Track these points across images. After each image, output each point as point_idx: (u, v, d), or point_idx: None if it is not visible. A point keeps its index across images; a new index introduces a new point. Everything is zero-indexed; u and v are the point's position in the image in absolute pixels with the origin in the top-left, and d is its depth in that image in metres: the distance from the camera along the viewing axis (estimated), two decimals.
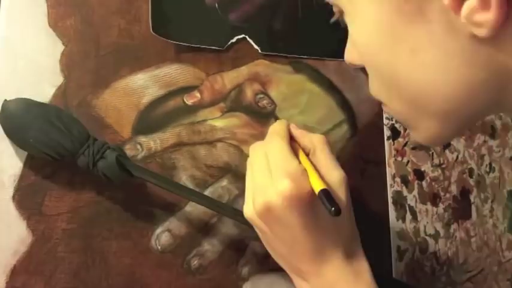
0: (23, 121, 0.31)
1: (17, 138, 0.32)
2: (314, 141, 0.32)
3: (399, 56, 0.25)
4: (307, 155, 0.32)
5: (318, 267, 0.29)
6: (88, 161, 0.31)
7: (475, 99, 0.25)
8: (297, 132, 0.33)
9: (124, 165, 0.32)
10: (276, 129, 0.32)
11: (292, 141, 0.32)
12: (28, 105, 0.32)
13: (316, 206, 0.28)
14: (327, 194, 0.27)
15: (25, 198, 0.33)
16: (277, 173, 0.29)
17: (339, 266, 0.29)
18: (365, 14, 0.25)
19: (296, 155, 0.30)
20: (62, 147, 0.31)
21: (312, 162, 0.31)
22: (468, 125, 0.28)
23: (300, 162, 0.30)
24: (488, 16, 0.21)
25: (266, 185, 0.29)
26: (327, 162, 0.31)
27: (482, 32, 0.22)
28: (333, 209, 0.26)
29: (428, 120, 0.27)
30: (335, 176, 0.30)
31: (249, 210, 0.30)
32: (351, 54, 0.29)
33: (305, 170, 0.29)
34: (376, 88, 0.28)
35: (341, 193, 0.30)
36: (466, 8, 0.21)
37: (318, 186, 0.28)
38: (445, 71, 0.24)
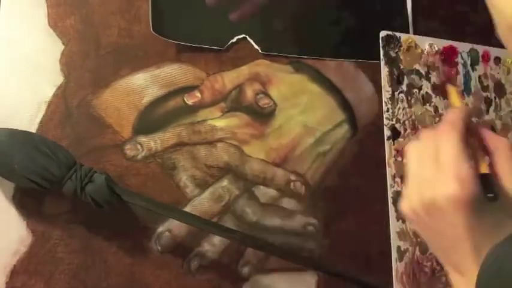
0: (7, 148, 0.30)
1: (1, 165, 0.30)
2: (496, 143, 0.31)
3: None
4: (487, 155, 0.31)
5: (476, 264, 0.29)
6: (76, 186, 0.30)
7: None
8: (483, 130, 0.32)
9: (113, 189, 0.32)
10: (453, 120, 0.31)
11: (469, 134, 0.31)
12: (12, 133, 0.31)
13: (481, 207, 0.28)
14: (489, 178, 0.28)
15: (25, 198, 0.33)
16: (447, 173, 0.29)
17: None
18: None
19: (473, 153, 0.30)
20: (48, 173, 0.30)
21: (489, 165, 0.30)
22: None
23: (476, 164, 0.29)
24: None
25: (435, 182, 0.29)
26: (505, 167, 0.30)
27: None
28: (491, 194, 0.27)
29: None
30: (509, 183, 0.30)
31: (414, 202, 0.30)
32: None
33: (476, 173, 0.29)
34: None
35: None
36: None
37: (483, 169, 0.28)
38: None
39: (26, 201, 0.33)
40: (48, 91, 0.35)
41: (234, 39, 0.39)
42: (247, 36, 0.40)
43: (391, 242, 0.41)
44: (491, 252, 0.26)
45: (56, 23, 0.35)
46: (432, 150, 0.30)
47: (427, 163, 0.30)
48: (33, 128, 0.34)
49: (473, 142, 0.31)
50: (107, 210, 0.32)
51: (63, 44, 0.35)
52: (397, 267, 0.41)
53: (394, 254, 0.41)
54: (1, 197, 0.33)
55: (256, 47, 0.40)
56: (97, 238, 0.34)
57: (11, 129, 0.32)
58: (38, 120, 0.34)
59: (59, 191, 0.31)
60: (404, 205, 0.31)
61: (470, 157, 0.29)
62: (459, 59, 0.46)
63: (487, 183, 0.28)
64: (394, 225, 0.41)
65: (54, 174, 0.30)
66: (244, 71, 0.40)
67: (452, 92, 0.34)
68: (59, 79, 0.35)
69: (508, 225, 0.30)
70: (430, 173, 0.29)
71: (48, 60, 0.35)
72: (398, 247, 0.41)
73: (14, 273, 0.32)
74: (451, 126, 0.30)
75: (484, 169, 0.30)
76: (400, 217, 0.41)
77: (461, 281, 0.30)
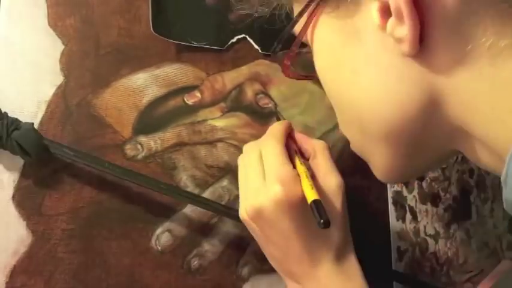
0: None
1: None
2: (315, 146, 0.32)
3: (342, 78, 0.26)
4: (307, 159, 0.32)
5: (310, 270, 0.29)
6: (1, 133, 0.30)
7: (411, 120, 0.24)
8: (299, 136, 0.33)
9: (41, 138, 0.31)
10: (274, 131, 0.32)
11: (291, 144, 0.32)
12: None
13: (307, 210, 0.28)
14: (317, 205, 0.27)
15: (25, 198, 0.33)
16: (269, 177, 0.29)
17: (331, 268, 0.29)
18: (319, 39, 0.26)
19: (292, 159, 0.30)
20: None
21: (310, 167, 0.31)
22: (424, 160, 0.27)
23: (294, 167, 0.30)
24: (403, 31, 0.21)
25: (258, 188, 0.29)
26: (326, 168, 0.31)
27: (405, 48, 0.22)
28: (322, 221, 0.26)
29: (377, 146, 0.27)
30: (333, 182, 0.31)
31: (242, 213, 0.30)
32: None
33: (298, 175, 0.29)
34: (339, 121, 0.29)
35: (336, 200, 0.30)
36: (389, 25, 0.22)
37: (310, 196, 0.28)
38: (382, 90, 0.24)
39: (26, 201, 0.33)
40: (48, 91, 0.34)
41: (234, 39, 0.39)
42: (247, 36, 0.40)
43: (391, 242, 0.41)
44: None
45: (56, 22, 0.35)
46: (256, 159, 0.31)
47: (252, 173, 0.30)
48: None
49: (293, 150, 0.32)
50: (34, 159, 0.31)
51: (63, 43, 0.35)
52: (397, 267, 0.41)
53: (394, 254, 0.41)
54: (1, 197, 0.32)
55: (256, 46, 0.40)
56: (97, 238, 0.34)
57: None
58: (38, 119, 0.34)
59: None
60: (239, 213, 0.31)
61: (291, 161, 0.30)
62: None
63: (318, 209, 0.27)
64: (394, 225, 0.41)
65: None
66: (244, 70, 0.39)
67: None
68: (59, 79, 0.35)
69: (340, 231, 0.30)
70: (255, 182, 0.30)
71: (48, 60, 0.35)
72: (399, 247, 0.41)
73: (14, 273, 0.32)
74: (272, 136, 0.32)
75: (303, 174, 0.29)
76: (400, 217, 0.41)
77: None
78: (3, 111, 0.32)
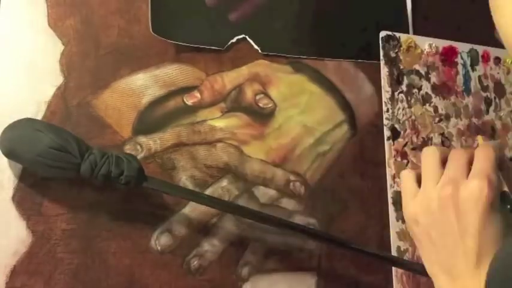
0: (30, 137, 0.30)
1: (24, 156, 0.30)
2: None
3: None
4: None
5: (474, 268, 0.29)
6: (98, 163, 0.30)
7: None
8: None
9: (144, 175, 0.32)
10: (490, 147, 0.33)
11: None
12: (29, 123, 0.31)
13: (495, 214, 0.29)
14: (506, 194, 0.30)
15: (25, 198, 0.33)
16: (477, 174, 0.30)
17: None
18: None
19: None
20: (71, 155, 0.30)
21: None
22: None
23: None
24: None
25: (459, 181, 0.30)
26: None
27: None
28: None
29: None
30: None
31: (428, 198, 0.31)
32: None
33: (501, 182, 0.31)
34: None
35: None
36: None
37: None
38: None
39: (26, 201, 0.33)
40: (48, 91, 0.34)
41: (234, 39, 0.39)
42: (246, 37, 0.40)
43: (391, 242, 0.41)
44: (501, 251, 0.26)
45: (55, 23, 0.35)
46: (461, 159, 0.32)
47: (453, 166, 0.31)
48: None
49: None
50: (120, 187, 0.31)
51: (63, 44, 0.35)
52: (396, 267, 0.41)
53: (394, 254, 0.41)
54: (1, 197, 0.32)
55: (256, 47, 0.40)
56: (97, 238, 0.34)
57: (26, 120, 0.32)
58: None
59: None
60: (415, 204, 0.32)
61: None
62: (459, 59, 0.46)
63: (505, 198, 0.29)
64: (394, 226, 0.41)
65: (75, 154, 0.30)
66: (244, 71, 0.39)
67: (480, 140, 0.39)
68: (59, 79, 0.35)
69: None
70: (454, 173, 0.31)
71: (48, 60, 0.35)
72: (398, 247, 0.41)
73: (14, 273, 0.32)
74: (488, 146, 0.33)
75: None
76: (400, 217, 0.41)
77: (451, 284, 0.30)
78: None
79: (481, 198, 0.29)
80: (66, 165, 0.30)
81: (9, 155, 0.31)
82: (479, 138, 0.39)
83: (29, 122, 0.31)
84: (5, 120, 0.33)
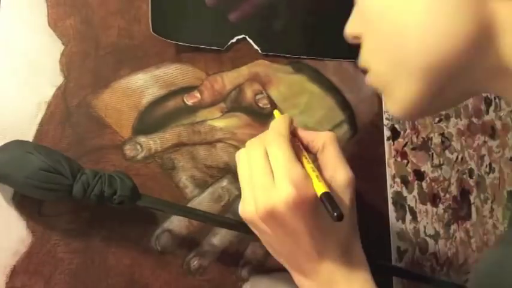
0: (17, 162, 0.29)
1: (13, 179, 0.30)
2: (323, 138, 0.32)
3: (395, 1, 0.24)
4: (314, 153, 0.32)
5: (317, 264, 0.29)
6: (90, 183, 0.30)
7: (459, 54, 0.23)
8: (304, 132, 0.33)
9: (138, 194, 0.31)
10: (278, 127, 0.31)
11: (293, 138, 0.32)
12: (18, 145, 0.31)
13: (318, 207, 0.28)
14: (329, 198, 0.27)
15: (25, 198, 0.33)
16: (280, 178, 0.28)
17: (337, 262, 0.29)
18: None
19: (298, 155, 0.30)
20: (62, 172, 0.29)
21: (318, 161, 0.31)
22: (448, 98, 0.26)
23: (302, 165, 0.29)
24: None
25: (268, 188, 0.29)
26: (335, 161, 0.31)
27: None
28: (335, 214, 0.26)
29: (407, 80, 0.25)
30: (342, 176, 0.30)
31: (249, 211, 0.30)
32: (353, 24, 0.29)
33: (307, 174, 0.29)
34: (365, 51, 0.28)
35: (346, 194, 0.30)
36: None
37: (320, 189, 0.28)
38: (437, 18, 0.23)
39: (26, 202, 0.33)
40: (48, 91, 0.34)
41: (234, 40, 0.39)
42: (246, 37, 0.40)
43: (391, 242, 0.41)
44: (483, 259, 0.25)
45: (55, 23, 0.35)
46: (261, 157, 0.30)
47: (259, 171, 0.29)
48: (33, 129, 0.34)
49: (298, 145, 0.31)
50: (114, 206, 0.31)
51: (63, 44, 0.35)
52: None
53: (394, 255, 0.40)
54: (1, 197, 0.32)
55: (255, 47, 0.40)
56: (97, 238, 0.34)
57: (16, 142, 0.31)
58: (37, 120, 0.34)
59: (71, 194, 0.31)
60: (241, 212, 0.30)
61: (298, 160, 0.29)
62: None
63: (330, 202, 0.27)
64: (394, 226, 0.41)
65: (67, 176, 0.30)
66: (244, 71, 0.39)
67: (277, 114, 0.35)
68: (59, 79, 0.35)
69: (348, 226, 0.30)
70: (262, 179, 0.29)
71: (48, 60, 0.35)
72: (398, 247, 0.41)
73: (14, 273, 0.32)
74: (276, 133, 0.31)
75: (310, 171, 0.29)
76: (400, 217, 0.41)
77: (307, 283, 0.30)
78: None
79: (294, 206, 0.28)
80: (58, 187, 0.30)
81: None
82: (276, 113, 0.34)
83: (18, 144, 0.31)
84: (5, 120, 0.33)
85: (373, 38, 0.27)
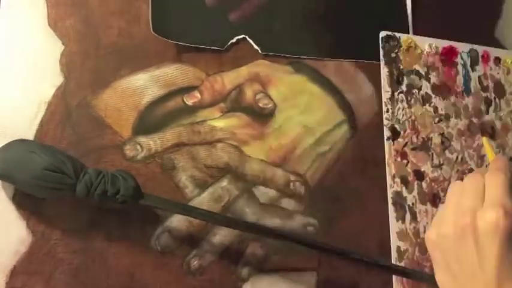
0: (22, 161, 0.29)
1: (19, 179, 0.30)
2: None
3: None
4: None
5: None
6: (94, 182, 0.30)
7: None
8: None
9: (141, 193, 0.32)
10: (500, 166, 0.33)
11: None
12: (20, 145, 0.31)
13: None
14: None
15: (25, 198, 0.33)
16: (491, 202, 0.30)
17: None
18: None
19: None
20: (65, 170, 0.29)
21: None
22: None
23: None
24: None
25: (476, 209, 0.30)
26: None
27: None
28: None
29: None
30: None
31: (447, 228, 0.31)
32: None
33: None
34: None
35: None
36: None
37: None
38: None
39: (26, 201, 0.33)
40: (48, 91, 0.34)
41: (234, 40, 0.39)
42: (246, 37, 0.40)
43: (391, 242, 0.40)
44: None
45: (55, 23, 0.35)
46: (477, 185, 0.31)
47: (469, 193, 0.31)
48: (33, 129, 0.34)
49: None
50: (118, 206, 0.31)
51: (63, 44, 0.35)
52: None
53: (394, 255, 0.40)
54: (1, 196, 0.32)
55: (256, 47, 0.40)
56: (97, 238, 0.34)
57: (19, 141, 0.31)
58: (37, 120, 0.34)
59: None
60: (432, 232, 0.32)
61: None
62: (459, 60, 0.46)
63: None
64: (394, 226, 0.41)
65: (70, 175, 0.30)
66: (244, 71, 0.39)
67: (485, 143, 0.37)
68: (59, 79, 0.35)
69: None
70: (471, 202, 0.30)
71: (48, 60, 0.35)
72: (398, 247, 0.41)
73: (14, 273, 0.32)
74: (498, 170, 0.32)
75: None
76: (400, 217, 0.41)
77: None
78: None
79: (498, 229, 0.29)
80: (61, 186, 0.30)
81: (2, 177, 0.31)
82: (484, 140, 0.38)
83: (22, 143, 0.31)
84: (5, 120, 0.33)
85: None
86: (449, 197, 0.33)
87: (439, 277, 0.33)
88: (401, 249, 0.41)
